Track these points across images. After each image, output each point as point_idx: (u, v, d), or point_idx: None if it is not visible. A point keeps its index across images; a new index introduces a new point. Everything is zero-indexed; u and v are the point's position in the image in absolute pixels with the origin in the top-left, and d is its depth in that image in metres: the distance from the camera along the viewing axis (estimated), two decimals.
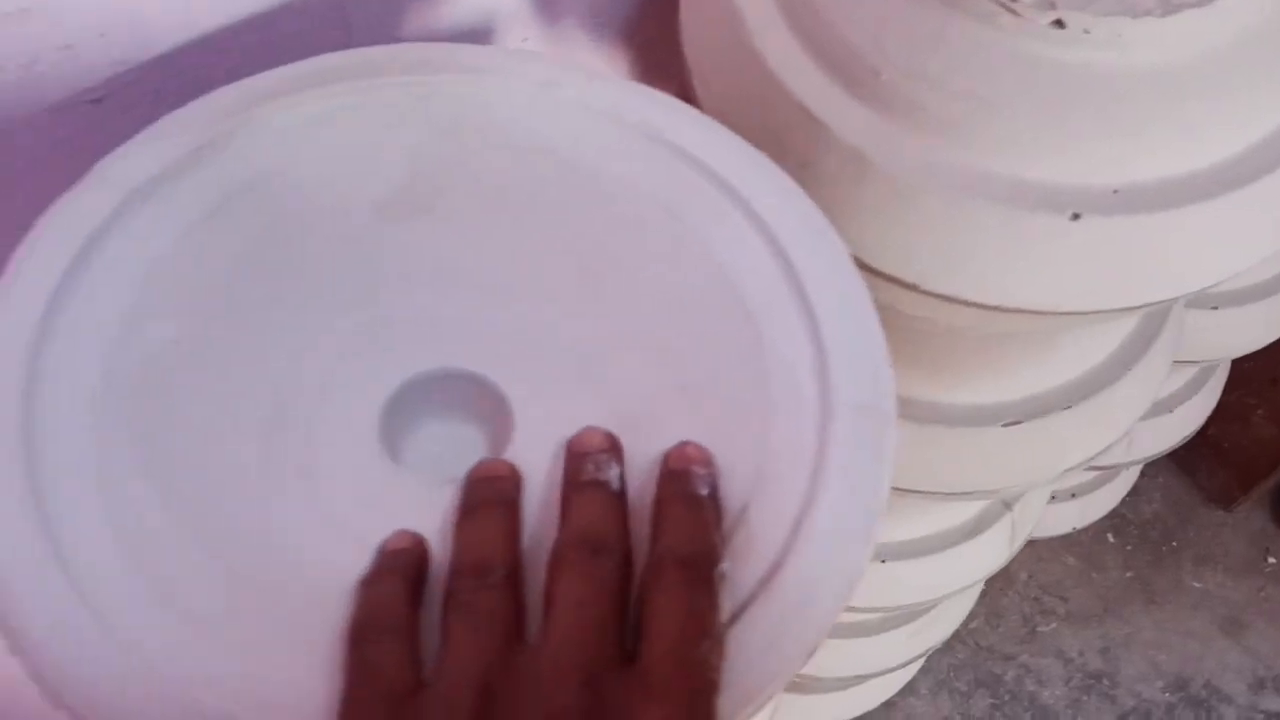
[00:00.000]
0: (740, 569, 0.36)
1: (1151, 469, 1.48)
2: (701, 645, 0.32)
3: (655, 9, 0.64)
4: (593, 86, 0.46)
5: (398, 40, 0.53)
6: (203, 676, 0.33)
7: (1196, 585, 1.44)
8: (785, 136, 0.48)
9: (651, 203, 0.44)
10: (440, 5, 0.54)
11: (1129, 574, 1.44)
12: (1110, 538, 1.47)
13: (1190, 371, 1.05)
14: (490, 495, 0.37)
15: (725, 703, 0.33)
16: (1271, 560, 1.46)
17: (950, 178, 0.46)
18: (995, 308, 0.48)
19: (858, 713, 1.26)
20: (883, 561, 0.80)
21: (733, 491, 0.38)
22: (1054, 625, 1.40)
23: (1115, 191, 0.45)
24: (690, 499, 0.36)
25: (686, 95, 0.54)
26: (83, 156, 0.41)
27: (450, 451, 0.42)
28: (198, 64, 0.47)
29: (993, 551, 0.84)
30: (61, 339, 0.38)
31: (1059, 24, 0.43)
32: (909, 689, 1.32)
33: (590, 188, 0.44)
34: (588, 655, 0.31)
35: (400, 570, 0.34)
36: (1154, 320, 0.68)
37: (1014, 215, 0.45)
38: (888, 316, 0.42)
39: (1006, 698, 1.34)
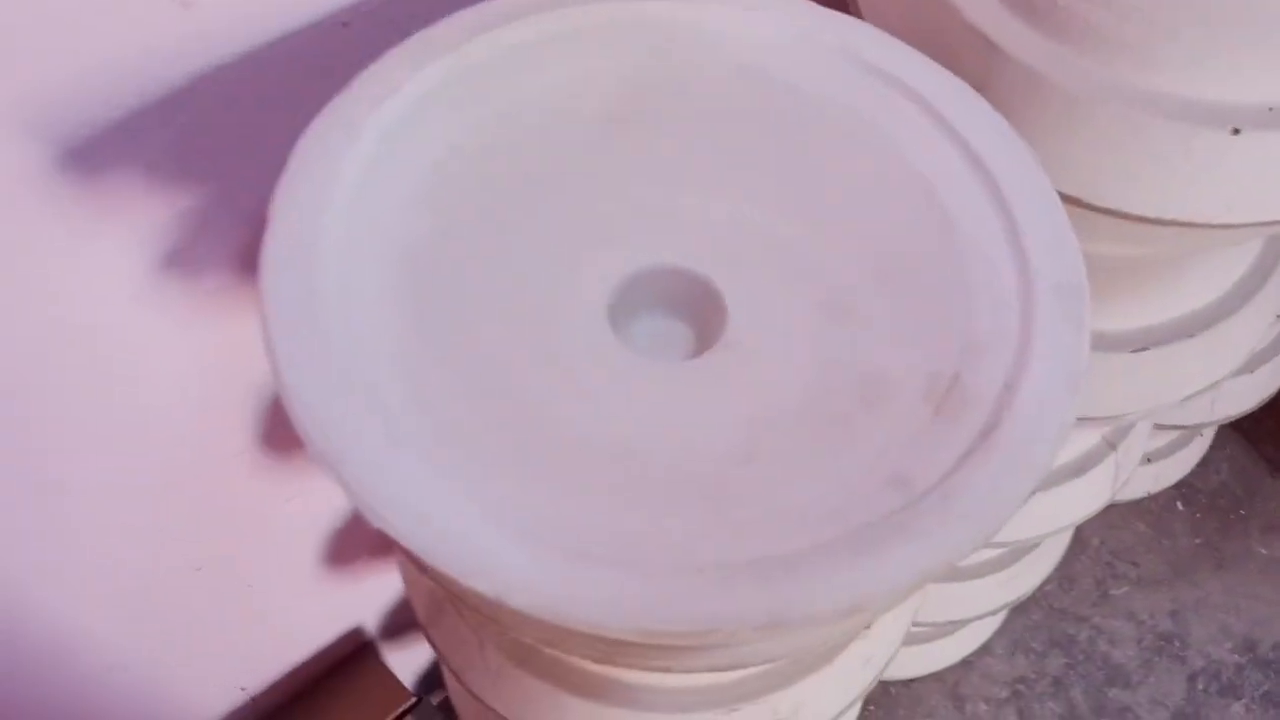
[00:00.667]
0: (959, 428, 0.40)
1: (1219, 439, 1.50)
2: None
3: None
4: (791, 10, 0.50)
5: None
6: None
7: (1263, 552, 1.46)
8: (963, 58, 0.52)
9: (853, 115, 0.48)
10: None
11: (1198, 540, 1.47)
12: (1179, 506, 1.50)
13: (1274, 333, 1.09)
14: None
15: (951, 542, 0.37)
16: None
17: (1121, 96, 0.50)
18: (1161, 220, 0.51)
19: (940, 667, 1.30)
20: None
21: (942, 361, 0.42)
22: (1125, 589, 1.43)
23: (1270, 109, 0.49)
24: None
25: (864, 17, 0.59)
26: (334, 76, 0.46)
27: (668, 333, 0.46)
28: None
29: (1097, 489, 0.88)
30: (357, 223, 0.43)
31: None
32: (985, 649, 1.35)
33: (794, 101, 0.49)
34: None
35: None
36: (1271, 257, 0.71)
37: (1181, 130, 0.49)
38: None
39: (1080, 657, 1.37)
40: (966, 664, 1.34)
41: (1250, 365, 1.10)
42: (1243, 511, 1.50)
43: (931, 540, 0.37)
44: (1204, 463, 1.48)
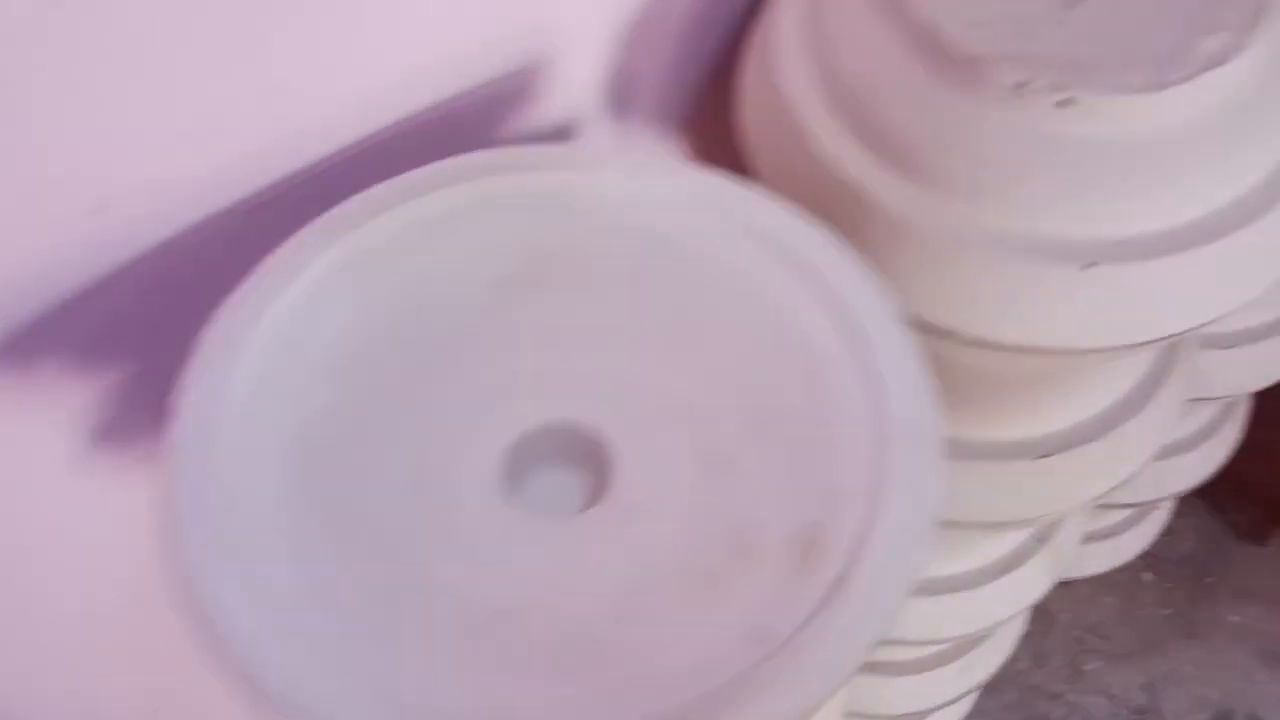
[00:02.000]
0: (818, 576, 0.43)
1: (1184, 508, 1.52)
2: None
3: (710, 107, 0.72)
4: (680, 175, 0.54)
5: (494, 144, 0.62)
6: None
7: (1234, 619, 1.48)
8: (835, 209, 0.56)
9: (728, 271, 0.51)
10: (530, 111, 0.62)
11: (1168, 611, 1.49)
12: (1147, 576, 1.52)
13: (1211, 410, 1.12)
14: None
15: (807, 691, 0.40)
16: None
17: (980, 236, 0.53)
18: (1022, 349, 0.55)
19: None
20: (930, 596, 0.86)
21: (807, 511, 0.45)
22: (1097, 664, 1.44)
23: (1121, 242, 0.52)
24: None
25: (743, 176, 0.62)
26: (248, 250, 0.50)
27: (562, 487, 0.49)
28: (325, 174, 0.55)
29: (1033, 582, 0.90)
30: (256, 404, 0.46)
31: (1066, 103, 0.51)
32: None
33: (680, 261, 0.52)
34: None
35: None
36: (1167, 357, 0.74)
37: (1037, 266, 0.52)
38: (930, 361, 0.49)
39: None
40: None
41: (1191, 444, 1.13)
42: (1210, 579, 1.52)
43: (783, 693, 0.39)
44: (1169, 531, 1.50)
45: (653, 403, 0.49)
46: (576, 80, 0.64)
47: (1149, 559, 1.50)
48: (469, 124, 0.60)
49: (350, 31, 0.51)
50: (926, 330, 0.56)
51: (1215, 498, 1.54)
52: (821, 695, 0.40)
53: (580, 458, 0.49)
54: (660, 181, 0.54)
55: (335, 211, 0.51)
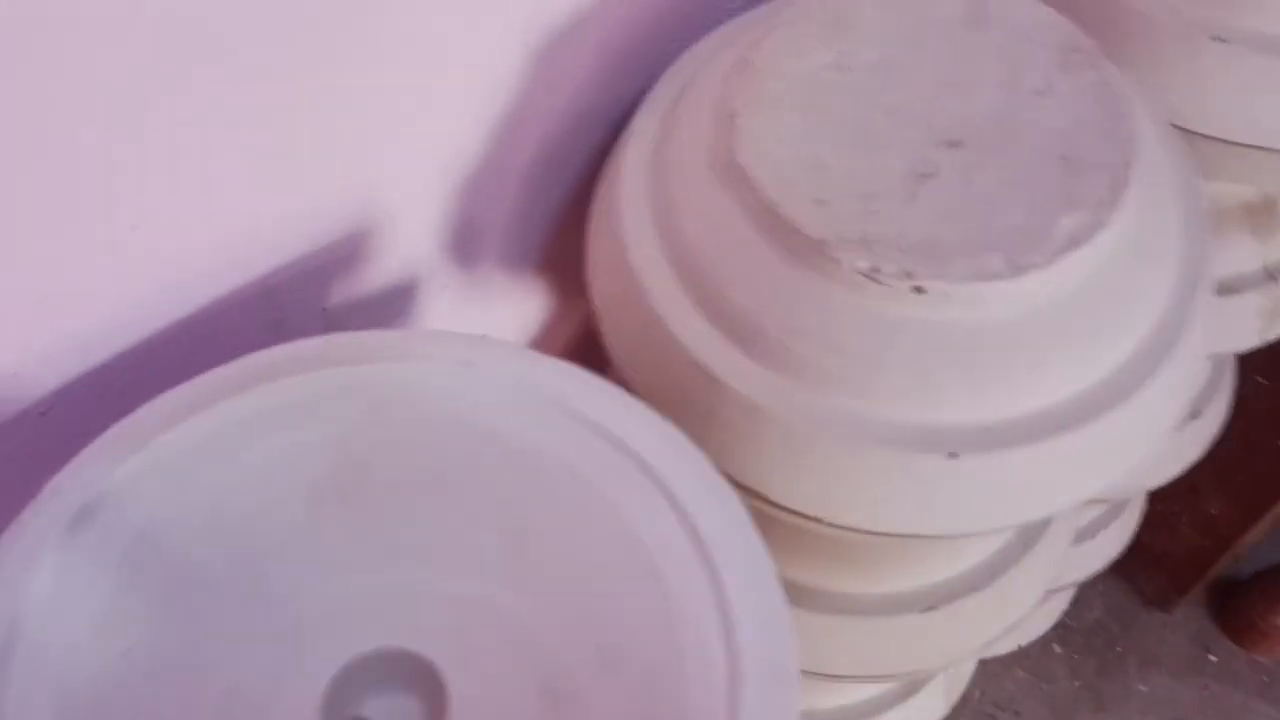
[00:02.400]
0: None
1: (1091, 578, 1.52)
2: None
3: (561, 247, 0.68)
4: (509, 363, 0.50)
5: (329, 310, 0.57)
6: None
7: (1143, 689, 1.47)
8: (687, 389, 0.52)
9: (567, 473, 0.48)
10: (364, 268, 0.58)
11: (1077, 683, 1.48)
12: (1057, 648, 1.50)
13: (1104, 506, 1.10)
14: None
15: None
16: (1213, 658, 1.50)
17: (836, 424, 0.50)
18: (888, 535, 0.52)
19: None
20: None
21: None
22: None
23: (987, 429, 0.50)
24: None
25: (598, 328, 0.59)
26: (38, 462, 0.45)
27: (393, 715, 0.45)
28: (139, 366, 0.50)
29: (929, 708, 0.88)
30: (19, 658, 0.41)
31: (919, 290, 0.48)
32: None
33: (511, 458, 0.48)
34: None
35: None
36: None
37: (897, 456, 0.50)
38: (804, 525, 0.46)
39: None
40: None
41: (1090, 532, 1.12)
42: (1119, 648, 1.51)
43: None
44: (1078, 601, 1.49)
45: (490, 627, 0.45)
46: (413, 236, 0.60)
47: (1059, 629, 1.49)
48: (297, 294, 0.56)
49: (156, 210, 0.47)
50: (791, 514, 0.53)
51: (1122, 567, 1.54)
52: None
53: (410, 691, 0.45)
54: (492, 372, 0.50)
55: (126, 422, 0.47)
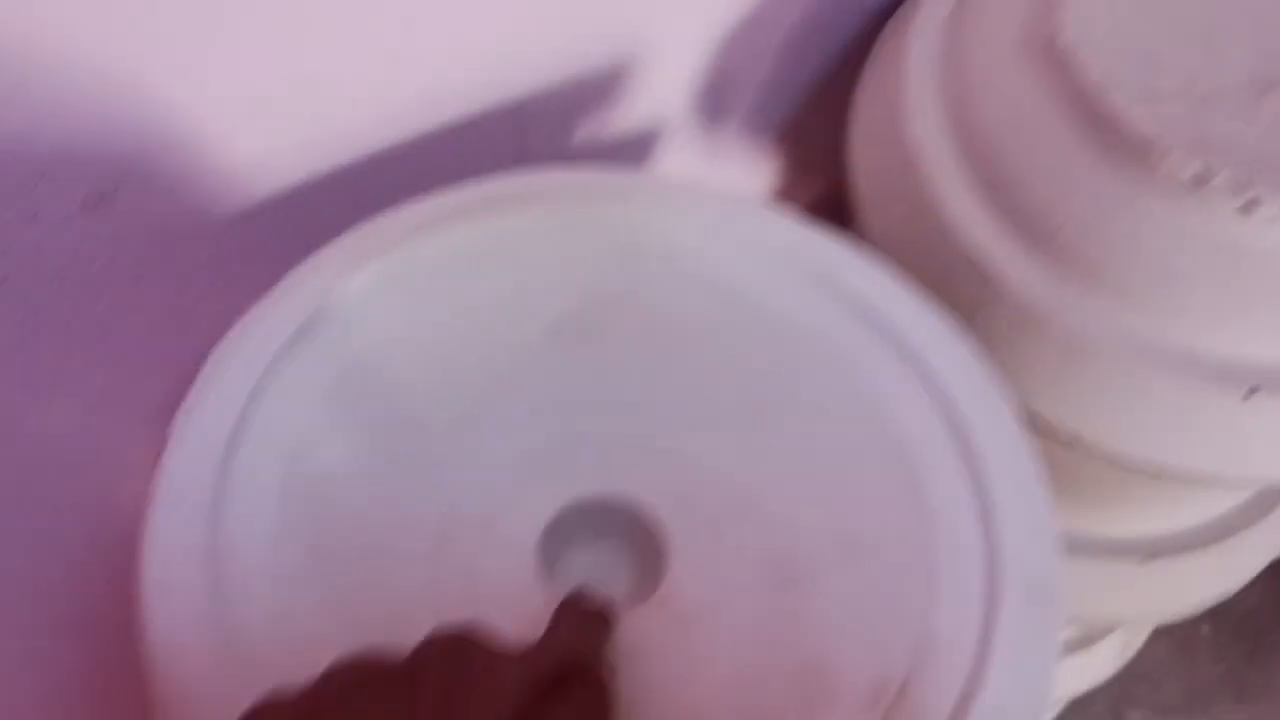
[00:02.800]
0: None
1: None
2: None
3: (814, 113, 0.64)
4: (767, 223, 0.47)
5: (569, 148, 0.54)
6: None
7: None
8: (955, 282, 0.48)
9: (821, 345, 0.44)
10: (610, 112, 0.55)
11: (1221, 668, 1.41)
12: (1205, 629, 1.44)
13: None
14: None
15: None
16: None
17: (1123, 341, 0.46)
18: (1159, 471, 0.47)
19: None
20: None
21: (891, 661, 0.38)
22: (1140, 715, 1.37)
23: None
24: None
25: (844, 201, 0.55)
26: (273, 256, 0.43)
27: (605, 571, 0.43)
28: (383, 173, 0.48)
29: (1100, 667, 0.83)
30: (246, 454, 0.40)
31: (1251, 205, 0.43)
32: None
33: (762, 325, 0.45)
34: None
35: None
36: None
37: (1188, 386, 0.45)
38: (1055, 447, 0.42)
39: None
40: None
41: None
42: (1273, 639, 1.44)
43: None
44: None
45: (721, 495, 0.41)
46: (665, 86, 0.56)
47: (1210, 612, 1.42)
48: (543, 125, 0.53)
49: (428, 11, 0.44)
50: (1044, 432, 0.49)
51: None
52: None
53: (629, 547, 0.42)
54: (751, 230, 0.46)
55: (366, 228, 0.45)
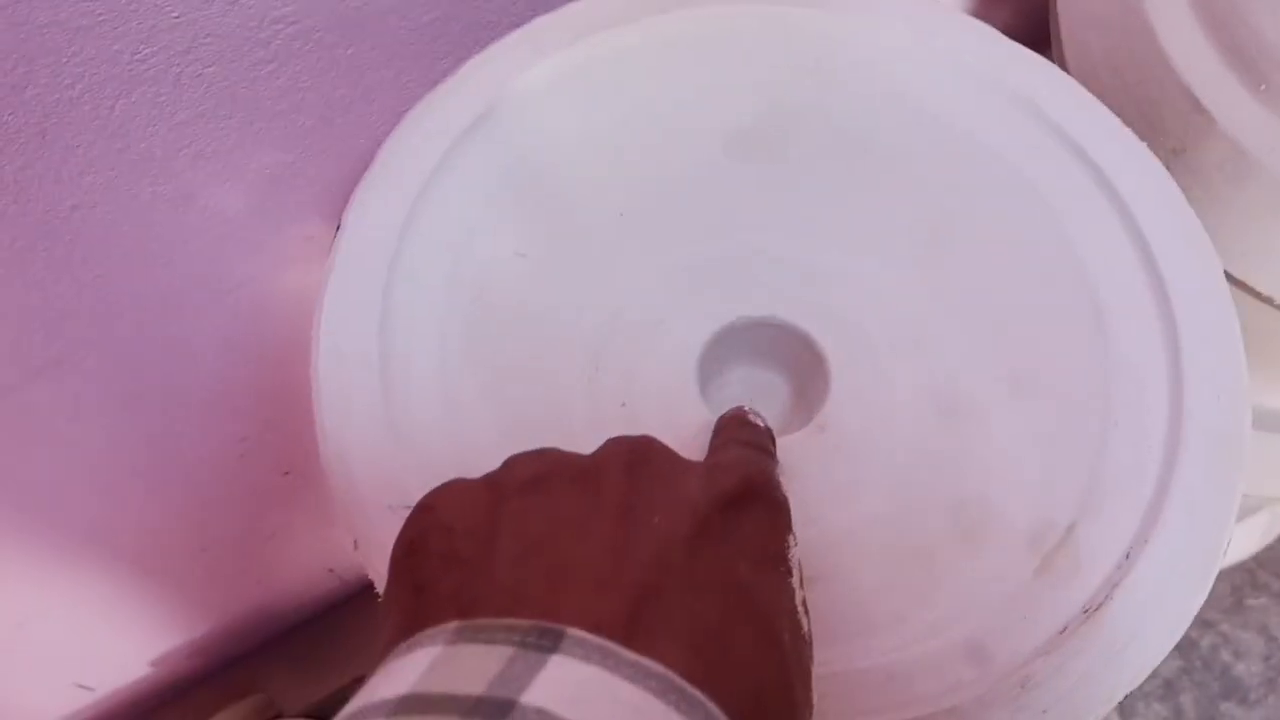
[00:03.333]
0: (1061, 595, 0.35)
1: None
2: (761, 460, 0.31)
3: None
4: (966, 40, 0.44)
5: None
6: None
7: None
8: (1162, 115, 0.45)
9: (1014, 174, 0.41)
10: None
11: None
12: None
13: None
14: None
15: None
16: None
17: None
18: None
19: None
20: None
21: (1058, 504, 0.36)
22: (1262, 600, 1.34)
23: None
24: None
25: (1046, 31, 0.51)
26: (447, 35, 0.42)
27: (765, 390, 0.41)
28: None
29: (1245, 540, 0.81)
30: (417, 244, 0.39)
31: None
32: None
33: (950, 148, 0.42)
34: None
35: None
36: None
37: None
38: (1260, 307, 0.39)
39: (1198, 664, 1.30)
40: None
41: None
42: None
43: None
44: None
45: (890, 319, 0.40)
46: None
47: None
48: None
49: None
50: (1246, 290, 0.46)
51: None
52: None
53: (790, 371, 0.41)
54: (950, 50, 0.43)
55: (548, 19, 0.43)
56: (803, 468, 0.37)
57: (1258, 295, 0.45)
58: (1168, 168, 0.42)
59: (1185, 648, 1.30)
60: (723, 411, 0.35)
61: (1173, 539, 0.35)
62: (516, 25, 0.42)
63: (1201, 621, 1.32)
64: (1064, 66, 0.49)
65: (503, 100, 0.41)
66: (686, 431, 0.37)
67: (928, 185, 0.42)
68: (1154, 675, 1.32)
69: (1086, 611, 0.34)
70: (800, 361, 0.40)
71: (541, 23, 0.43)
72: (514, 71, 0.42)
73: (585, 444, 0.28)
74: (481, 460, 0.29)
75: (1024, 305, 0.40)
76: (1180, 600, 0.35)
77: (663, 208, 0.41)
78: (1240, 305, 0.45)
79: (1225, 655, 1.30)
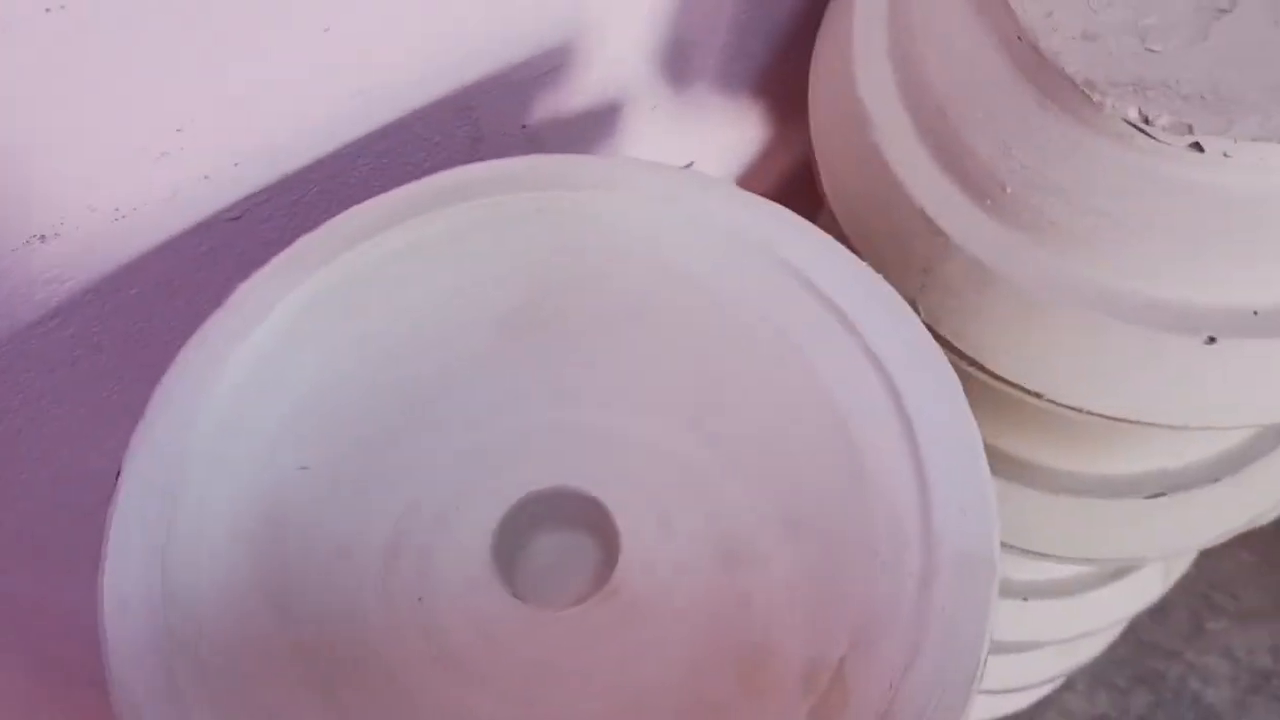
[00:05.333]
0: None
1: None
2: None
3: (783, 69, 0.63)
4: (715, 202, 0.46)
5: (526, 125, 0.54)
6: None
7: None
8: (908, 240, 0.47)
9: (766, 324, 0.44)
10: (567, 84, 0.54)
11: None
12: None
13: None
14: None
15: None
16: None
17: (1078, 293, 0.44)
18: (1125, 420, 0.46)
19: (1009, 711, 1.25)
20: (1024, 600, 0.78)
21: (831, 642, 0.38)
22: (1223, 624, 1.35)
23: (1255, 313, 0.43)
24: None
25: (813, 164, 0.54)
26: (225, 267, 0.44)
27: (561, 573, 0.43)
28: (330, 175, 0.48)
29: (1143, 589, 0.82)
30: (198, 475, 0.41)
31: (1196, 147, 0.41)
32: (1065, 684, 1.29)
33: (706, 306, 0.44)
34: None
35: None
36: None
37: (1147, 336, 0.43)
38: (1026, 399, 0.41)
39: (1168, 696, 1.30)
40: (1043, 701, 1.29)
41: None
42: None
43: None
44: None
45: (671, 478, 0.42)
46: (620, 50, 0.55)
47: None
48: (495, 110, 0.52)
49: (351, 11, 0.44)
50: (1014, 388, 0.48)
51: None
52: None
53: (583, 532, 0.43)
54: (696, 210, 0.46)
55: (310, 239, 0.45)
56: (597, 635, 0.39)
57: (1026, 391, 0.47)
58: (922, 287, 0.45)
59: (1154, 681, 1.31)
60: (532, 587, 0.37)
61: (935, 658, 0.37)
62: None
63: (1166, 653, 1.33)
64: (834, 214, 0.51)
65: (273, 323, 0.43)
66: (488, 616, 0.39)
67: (693, 342, 0.44)
68: (1127, 714, 1.32)
69: None
70: (594, 528, 0.42)
71: (307, 240, 0.45)
72: (280, 291, 0.44)
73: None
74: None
75: (791, 449, 0.42)
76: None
77: (445, 397, 0.43)
78: (1017, 401, 0.48)
79: (1194, 684, 1.31)
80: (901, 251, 0.46)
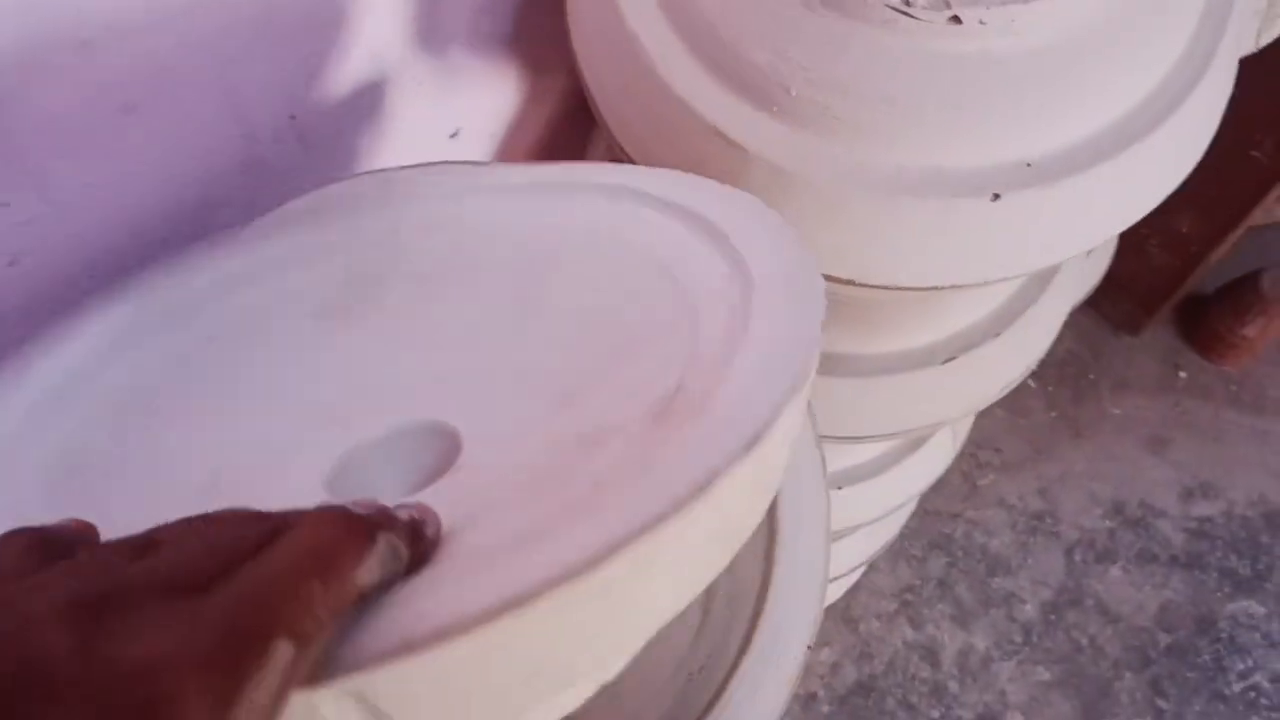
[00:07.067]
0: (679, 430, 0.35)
1: None
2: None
3: (533, 23, 0.63)
4: (478, 171, 0.47)
5: (295, 115, 0.53)
6: None
7: (1117, 412, 1.51)
8: (704, 161, 0.49)
9: (577, 235, 0.44)
10: (331, 68, 0.53)
11: (1054, 414, 1.51)
12: (1031, 383, 1.53)
13: None
14: None
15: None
16: (1183, 375, 1.54)
17: (872, 179, 0.47)
18: (932, 288, 0.49)
19: (828, 603, 1.31)
20: (839, 488, 0.83)
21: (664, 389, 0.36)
22: (991, 477, 1.46)
23: (1028, 165, 0.47)
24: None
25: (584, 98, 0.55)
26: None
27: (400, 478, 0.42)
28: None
29: (939, 457, 0.88)
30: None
31: (955, 20, 0.44)
32: (870, 567, 1.37)
33: (510, 246, 0.45)
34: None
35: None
36: None
37: (940, 205, 0.47)
38: (837, 289, 0.43)
39: (959, 554, 1.40)
40: (854, 586, 1.36)
41: None
42: (1091, 376, 1.53)
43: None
44: None
45: (500, 369, 0.41)
46: (379, 28, 0.55)
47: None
48: (263, 102, 0.51)
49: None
50: (828, 280, 0.50)
51: (1090, 297, 1.55)
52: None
53: (420, 449, 0.42)
54: (475, 180, 0.47)
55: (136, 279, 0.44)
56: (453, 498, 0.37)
57: (839, 280, 0.50)
58: None
59: (944, 544, 1.40)
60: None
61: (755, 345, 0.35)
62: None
63: (949, 515, 1.43)
64: (615, 141, 0.53)
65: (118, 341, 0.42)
66: None
67: (507, 275, 0.44)
68: (927, 579, 1.40)
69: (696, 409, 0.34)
70: (430, 438, 0.41)
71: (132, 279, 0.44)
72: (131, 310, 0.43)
73: None
74: None
75: (613, 302, 0.42)
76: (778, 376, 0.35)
77: (269, 391, 0.42)
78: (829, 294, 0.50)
79: (979, 537, 1.41)
80: (700, 172, 0.48)
